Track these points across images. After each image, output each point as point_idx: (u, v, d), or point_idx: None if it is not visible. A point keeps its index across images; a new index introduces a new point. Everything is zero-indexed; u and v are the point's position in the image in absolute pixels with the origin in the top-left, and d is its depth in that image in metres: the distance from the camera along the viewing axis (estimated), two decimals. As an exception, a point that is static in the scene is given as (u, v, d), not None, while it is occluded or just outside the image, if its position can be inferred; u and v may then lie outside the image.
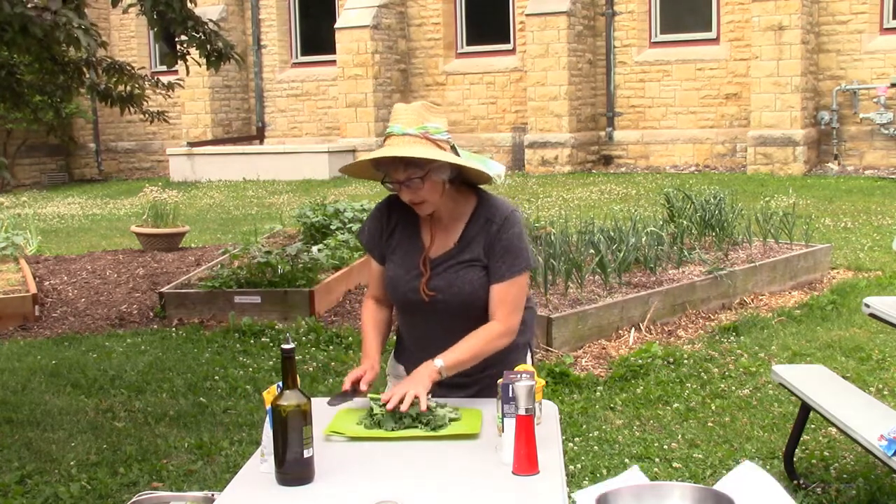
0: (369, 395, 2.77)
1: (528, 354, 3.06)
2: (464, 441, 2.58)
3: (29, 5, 4.84)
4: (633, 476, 2.35)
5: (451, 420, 2.67)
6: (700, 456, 4.51)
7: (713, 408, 5.16)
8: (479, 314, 2.87)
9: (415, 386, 2.68)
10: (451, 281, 2.87)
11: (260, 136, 19.26)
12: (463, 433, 2.60)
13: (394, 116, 2.83)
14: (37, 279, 8.61)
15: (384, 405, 2.67)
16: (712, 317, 6.80)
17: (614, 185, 13.95)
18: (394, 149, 2.74)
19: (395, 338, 3.19)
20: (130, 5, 6.04)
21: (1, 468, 4.56)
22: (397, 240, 2.96)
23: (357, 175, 3.04)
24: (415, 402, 2.64)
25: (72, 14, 4.79)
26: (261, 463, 2.45)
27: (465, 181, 2.92)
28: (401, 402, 2.63)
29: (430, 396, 2.70)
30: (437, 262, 2.90)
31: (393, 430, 2.62)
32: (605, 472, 4.33)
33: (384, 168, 2.82)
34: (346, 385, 2.82)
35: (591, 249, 7.25)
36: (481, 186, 2.98)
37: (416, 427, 2.63)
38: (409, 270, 2.91)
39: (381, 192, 3.12)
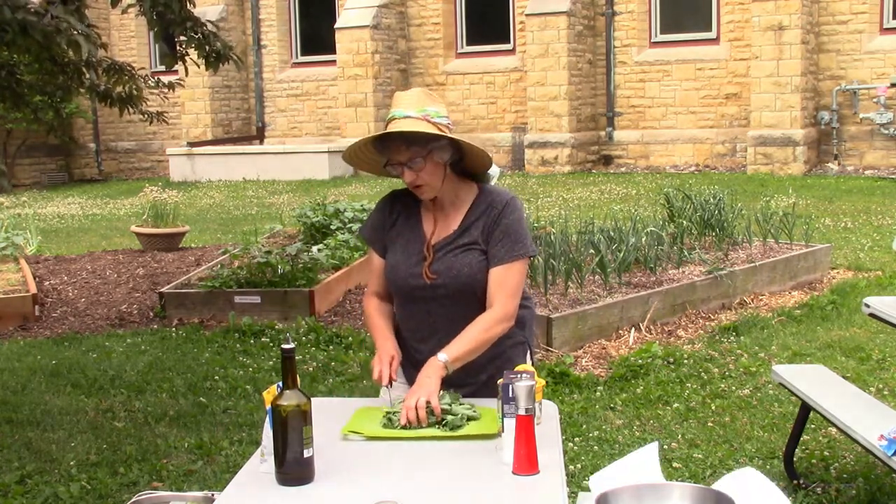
0: (384, 409, 2.75)
1: (528, 355, 3.06)
2: (465, 441, 2.57)
3: (30, 7, 4.83)
4: (648, 455, 2.33)
5: (469, 419, 2.66)
6: (700, 456, 4.51)
7: (713, 408, 5.16)
8: (478, 300, 2.88)
9: (424, 391, 2.67)
10: (451, 264, 2.89)
11: (260, 136, 19.26)
12: (481, 433, 2.58)
13: (395, 102, 2.89)
14: (37, 279, 8.60)
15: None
16: (712, 317, 6.79)
17: (614, 185, 13.95)
18: (398, 126, 2.80)
19: None
20: (130, 5, 6.04)
21: (1, 468, 4.56)
22: (398, 229, 3.00)
23: (359, 165, 3.05)
24: (429, 409, 2.63)
25: (73, 19, 4.78)
26: (261, 463, 2.45)
27: (466, 172, 2.96)
28: (418, 417, 2.62)
29: (441, 393, 2.69)
30: (437, 247, 2.92)
31: (411, 429, 2.61)
32: (605, 472, 4.33)
33: (386, 152, 2.87)
34: (385, 381, 2.80)
35: (591, 249, 7.25)
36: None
37: (434, 427, 2.62)
38: (409, 256, 2.93)
39: (381, 192, 3.15)
